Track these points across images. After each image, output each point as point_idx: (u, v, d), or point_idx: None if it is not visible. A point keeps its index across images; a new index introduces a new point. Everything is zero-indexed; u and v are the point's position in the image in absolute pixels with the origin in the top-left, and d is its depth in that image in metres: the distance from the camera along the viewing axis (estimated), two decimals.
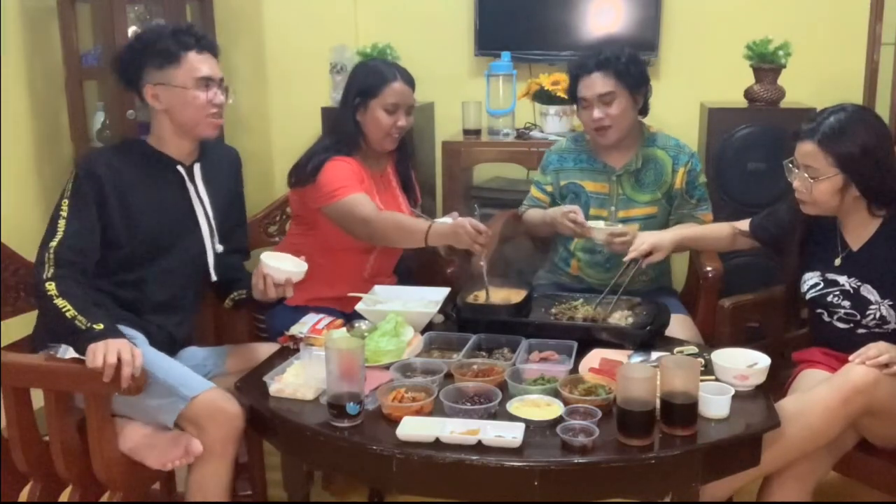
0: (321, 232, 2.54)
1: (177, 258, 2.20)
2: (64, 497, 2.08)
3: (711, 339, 2.47)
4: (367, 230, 2.42)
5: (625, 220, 2.63)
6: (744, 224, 2.47)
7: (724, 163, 3.12)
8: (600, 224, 2.53)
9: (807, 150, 2.12)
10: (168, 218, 2.18)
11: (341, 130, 2.57)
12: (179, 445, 1.97)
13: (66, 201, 2.06)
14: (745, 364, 1.98)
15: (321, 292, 2.51)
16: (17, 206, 3.01)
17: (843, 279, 2.19)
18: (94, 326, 1.93)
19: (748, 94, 3.23)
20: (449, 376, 2.00)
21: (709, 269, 2.60)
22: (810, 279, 2.24)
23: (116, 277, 2.14)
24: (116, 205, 2.09)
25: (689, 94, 3.45)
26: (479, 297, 2.36)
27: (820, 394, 1.99)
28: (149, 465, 2.00)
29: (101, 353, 1.87)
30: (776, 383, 2.15)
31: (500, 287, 2.39)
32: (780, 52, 3.13)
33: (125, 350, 1.89)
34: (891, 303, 2.14)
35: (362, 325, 2.26)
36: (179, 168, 2.20)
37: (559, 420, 1.77)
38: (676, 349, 2.15)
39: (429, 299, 2.39)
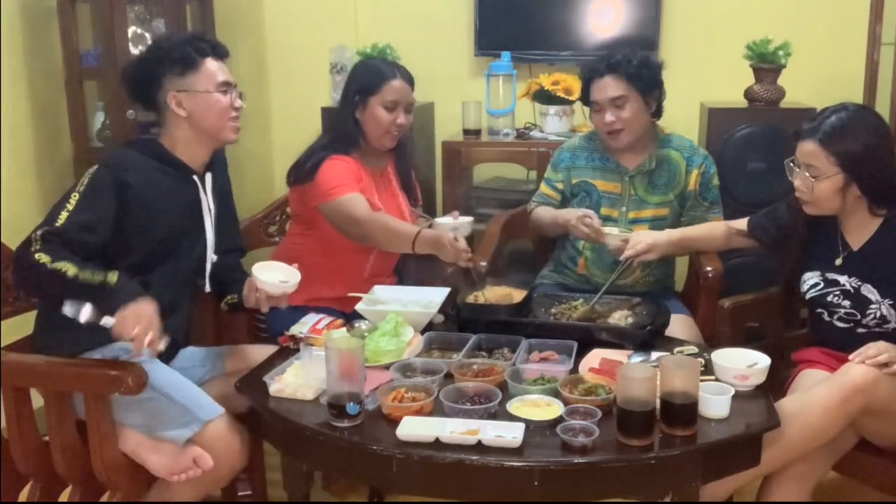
0: (321, 231, 2.54)
1: (181, 263, 2.19)
2: (64, 497, 2.08)
3: (711, 339, 2.47)
4: (358, 231, 2.43)
5: (635, 221, 2.64)
6: (741, 223, 2.47)
7: (724, 163, 3.12)
8: (614, 231, 2.52)
9: (808, 149, 2.11)
10: (180, 224, 2.17)
11: (341, 129, 2.58)
12: (187, 456, 1.96)
13: (76, 194, 2.00)
14: (745, 364, 1.98)
15: (321, 292, 2.51)
16: (17, 206, 3.01)
17: (843, 279, 2.19)
18: (108, 279, 1.90)
19: (748, 94, 3.23)
20: (449, 376, 2.00)
21: (709, 269, 2.60)
22: (810, 279, 2.24)
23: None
24: (137, 206, 2.06)
25: (689, 94, 3.45)
26: (479, 297, 2.36)
27: (819, 393, 1.99)
28: (152, 469, 2.00)
29: (132, 324, 1.86)
30: (776, 383, 2.15)
31: (500, 287, 2.39)
32: (780, 52, 3.13)
33: (152, 317, 1.89)
34: (891, 302, 2.14)
35: (362, 325, 2.26)
36: (195, 178, 2.20)
37: (559, 420, 1.77)
38: (676, 349, 2.15)
39: (429, 299, 2.39)
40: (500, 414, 1.82)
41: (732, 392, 1.85)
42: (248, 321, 2.65)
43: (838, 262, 2.21)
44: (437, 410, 1.85)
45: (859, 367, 1.99)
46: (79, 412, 2.01)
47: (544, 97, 3.37)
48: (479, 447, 1.71)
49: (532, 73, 3.56)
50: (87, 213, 1.98)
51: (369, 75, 2.57)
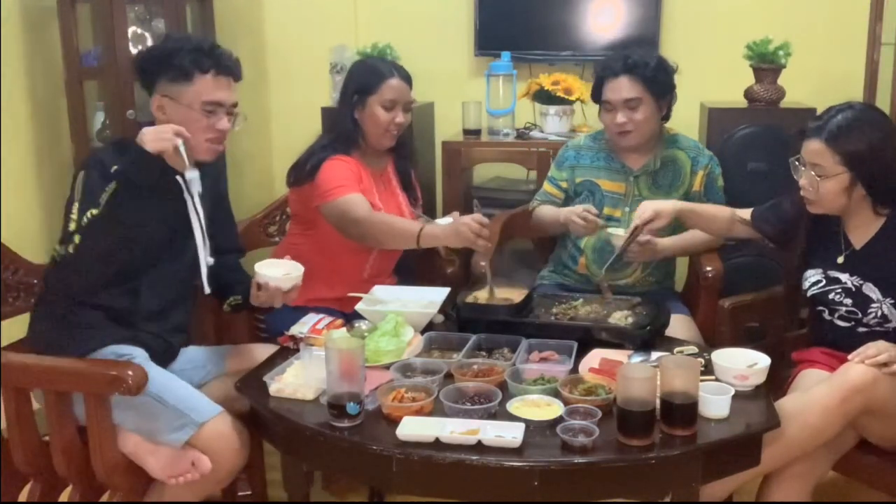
0: (321, 232, 2.54)
1: (171, 267, 2.17)
2: (64, 497, 2.08)
3: (711, 339, 2.47)
4: (358, 231, 2.42)
5: None
6: (745, 213, 2.45)
7: (724, 163, 3.10)
8: (620, 232, 2.51)
9: (814, 148, 2.11)
10: (166, 227, 2.14)
11: (340, 129, 2.57)
12: (185, 459, 1.96)
13: (75, 205, 1.97)
14: (745, 364, 1.97)
15: (321, 292, 2.51)
16: (17, 206, 3.01)
17: (845, 277, 2.19)
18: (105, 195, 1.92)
19: (748, 94, 3.23)
20: (449, 376, 1.99)
21: (709, 269, 2.60)
22: (812, 276, 2.24)
23: (110, 288, 2.09)
24: (121, 209, 2.03)
25: (689, 93, 3.43)
26: (479, 297, 2.36)
27: (819, 393, 1.99)
28: (150, 471, 2.00)
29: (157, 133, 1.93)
30: (776, 383, 2.15)
31: (500, 287, 2.39)
32: (780, 52, 3.13)
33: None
34: (892, 301, 2.14)
35: (362, 325, 2.26)
36: (179, 179, 2.17)
37: (559, 420, 1.77)
38: (676, 349, 2.15)
39: (429, 299, 2.39)
40: (500, 414, 1.82)
41: (732, 392, 1.85)
42: (249, 321, 2.65)
43: (840, 260, 2.21)
44: (437, 410, 1.85)
45: (859, 367, 1.99)
46: (79, 418, 2.01)
47: (544, 97, 3.37)
48: (479, 447, 1.71)
49: (532, 73, 3.56)
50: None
51: (367, 75, 2.57)
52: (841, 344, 2.17)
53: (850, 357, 2.03)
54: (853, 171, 2.08)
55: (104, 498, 2.09)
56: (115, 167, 1.93)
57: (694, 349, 2.16)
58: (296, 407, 1.92)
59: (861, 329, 2.17)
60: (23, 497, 2.13)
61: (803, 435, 1.97)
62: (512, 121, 3.48)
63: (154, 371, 1.99)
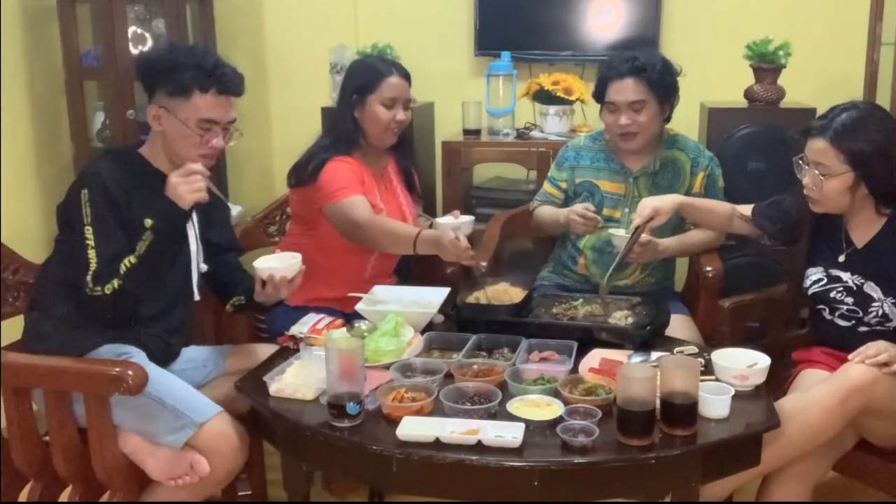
0: (321, 232, 2.54)
1: (169, 271, 2.15)
2: (64, 497, 2.08)
3: (711, 339, 2.47)
4: (358, 234, 2.42)
5: None
6: (745, 209, 2.44)
7: (724, 163, 3.10)
8: (620, 232, 2.50)
9: (818, 147, 2.10)
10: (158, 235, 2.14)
11: (340, 129, 2.57)
12: (184, 461, 1.96)
13: (88, 228, 2.00)
14: (745, 364, 1.97)
15: (321, 292, 2.51)
16: (17, 206, 3.01)
17: (846, 276, 2.19)
18: (144, 238, 1.99)
19: (748, 94, 3.23)
20: (449, 376, 1.99)
21: (709, 269, 2.60)
22: (813, 274, 2.24)
23: None
24: (121, 220, 2.05)
25: (689, 94, 3.43)
26: (480, 297, 2.36)
27: (818, 393, 1.99)
28: (149, 472, 2.00)
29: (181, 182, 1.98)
30: (776, 383, 2.15)
31: (500, 287, 2.39)
32: (780, 52, 3.13)
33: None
34: (893, 301, 2.14)
35: (362, 325, 2.26)
36: None
37: (559, 420, 1.77)
38: (676, 349, 2.15)
39: (429, 299, 2.39)
40: (500, 414, 1.82)
41: (732, 392, 1.85)
42: (249, 321, 2.65)
43: (841, 258, 2.21)
44: (437, 410, 1.85)
45: (859, 367, 1.99)
46: (79, 419, 2.01)
47: (544, 97, 3.37)
48: (479, 447, 1.71)
49: (532, 73, 3.56)
50: (108, 244, 2.01)
51: (366, 74, 2.57)
52: (841, 343, 2.17)
53: (850, 357, 2.03)
54: (857, 171, 2.08)
55: (104, 498, 2.09)
56: (150, 222, 1.98)
57: (694, 349, 2.16)
58: (296, 407, 1.92)
59: (862, 328, 2.17)
60: (23, 497, 2.13)
61: (803, 435, 1.97)
62: (512, 121, 3.48)
63: (153, 371, 1.99)
